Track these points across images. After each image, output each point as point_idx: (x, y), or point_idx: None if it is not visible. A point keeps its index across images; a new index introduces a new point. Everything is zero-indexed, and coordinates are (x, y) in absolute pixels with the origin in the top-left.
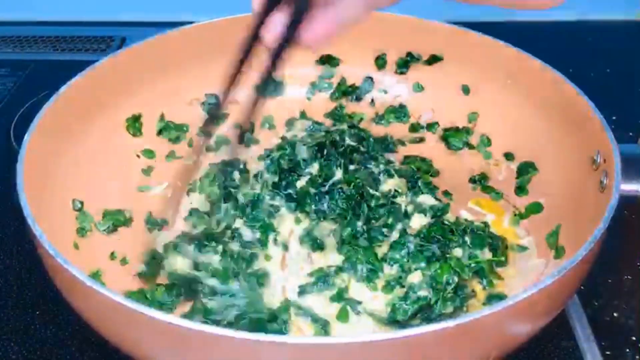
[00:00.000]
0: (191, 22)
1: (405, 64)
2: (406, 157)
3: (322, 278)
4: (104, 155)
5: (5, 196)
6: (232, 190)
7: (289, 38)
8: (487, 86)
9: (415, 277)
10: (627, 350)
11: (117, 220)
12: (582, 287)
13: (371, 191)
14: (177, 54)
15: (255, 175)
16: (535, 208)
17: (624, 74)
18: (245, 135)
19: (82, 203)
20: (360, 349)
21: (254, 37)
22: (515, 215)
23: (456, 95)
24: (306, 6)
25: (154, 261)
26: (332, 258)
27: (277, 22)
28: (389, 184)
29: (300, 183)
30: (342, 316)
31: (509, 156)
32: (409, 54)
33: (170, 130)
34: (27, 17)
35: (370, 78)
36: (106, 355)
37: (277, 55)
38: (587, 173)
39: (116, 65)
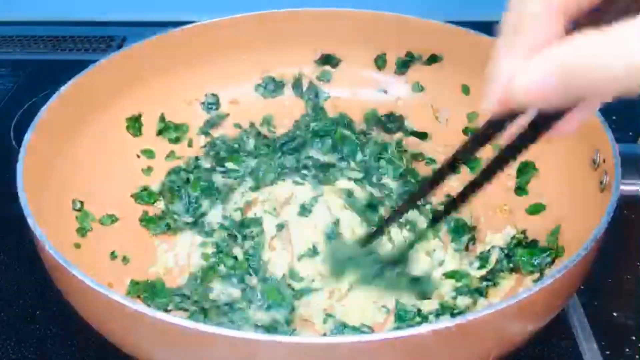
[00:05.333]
0: (191, 22)
1: (405, 64)
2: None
3: None
4: (104, 155)
5: (5, 196)
6: None
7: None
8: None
9: None
10: (627, 350)
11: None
12: (582, 287)
13: None
14: (177, 54)
15: None
16: (536, 208)
17: None
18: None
19: (82, 203)
20: (359, 349)
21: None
22: None
23: (456, 95)
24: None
25: None
26: None
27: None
28: None
29: None
30: None
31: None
32: (409, 54)
33: (170, 130)
34: (27, 17)
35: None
36: (106, 355)
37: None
38: (587, 173)
39: (116, 65)
